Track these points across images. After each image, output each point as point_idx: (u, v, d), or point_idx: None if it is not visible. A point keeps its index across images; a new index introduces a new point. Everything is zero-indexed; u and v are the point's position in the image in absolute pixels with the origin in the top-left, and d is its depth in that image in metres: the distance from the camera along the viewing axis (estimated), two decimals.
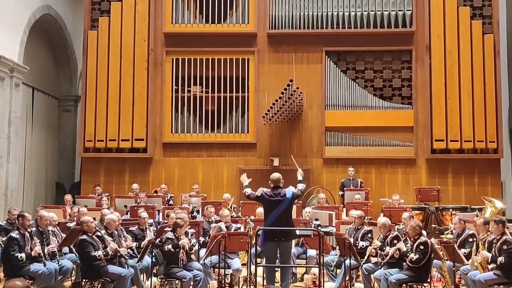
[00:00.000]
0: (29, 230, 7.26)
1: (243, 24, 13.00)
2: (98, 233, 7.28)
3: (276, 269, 7.63)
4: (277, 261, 7.33)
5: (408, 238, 7.46)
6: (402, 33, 12.78)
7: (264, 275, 7.44)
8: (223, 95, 13.01)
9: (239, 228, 8.63)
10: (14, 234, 7.08)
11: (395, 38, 12.80)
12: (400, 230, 8.21)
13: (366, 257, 7.73)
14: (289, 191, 7.26)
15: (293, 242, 8.75)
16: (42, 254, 7.17)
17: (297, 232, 7.55)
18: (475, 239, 7.66)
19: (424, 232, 7.80)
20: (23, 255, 6.98)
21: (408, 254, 7.13)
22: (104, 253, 7.04)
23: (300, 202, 10.48)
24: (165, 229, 7.90)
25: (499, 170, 12.58)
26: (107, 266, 7.06)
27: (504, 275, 6.83)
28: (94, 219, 7.68)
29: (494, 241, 7.09)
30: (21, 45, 12.59)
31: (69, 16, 14.98)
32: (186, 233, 7.80)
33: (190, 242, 7.70)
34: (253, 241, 7.42)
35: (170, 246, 7.32)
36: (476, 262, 7.06)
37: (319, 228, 8.47)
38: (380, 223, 7.84)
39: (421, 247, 7.08)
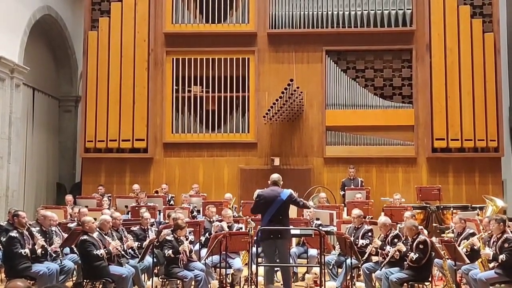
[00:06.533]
0: (28, 228, 7.27)
1: (243, 24, 13.01)
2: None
3: (276, 268, 7.64)
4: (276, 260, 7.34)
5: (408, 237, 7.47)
6: (402, 32, 12.78)
7: (264, 275, 7.46)
8: (224, 95, 13.01)
9: (241, 228, 8.63)
10: (13, 234, 7.10)
11: (395, 37, 12.80)
12: (402, 229, 8.21)
13: (366, 256, 7.74)
14: (286, 191, 7.31)
15: (294, 241, 8.79)
16: (46, 246, 7.20)
17: (297, 231, 7.56)
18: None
19: (425, 232, 7.80)
20: (27, 250, 7.01)
21: (408, 254, 7.13)
22: (106, 251, 7.05)
23: None
24: (163, 230, 7.88)
25: (500, 169, 12.57)
26: (109, 266, 7.07)
27: (505, 274, 6.85)
28: (95, 219, 7.67)
29: (494, 240, 7.10)
30: (21, 46, 12.59)
31: (69, 17, 14.98)
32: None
33: (187, 239, 7.70)
34: (254, 241, 7.43)
35: (170, 252, 7.33)
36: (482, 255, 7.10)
37: (320, 227, 8.47)
38: (380, 223, 7.84)
39: (421, 246, 7.08)
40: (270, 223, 7.11)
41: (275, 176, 7.49)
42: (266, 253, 7.28)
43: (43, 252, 7.18)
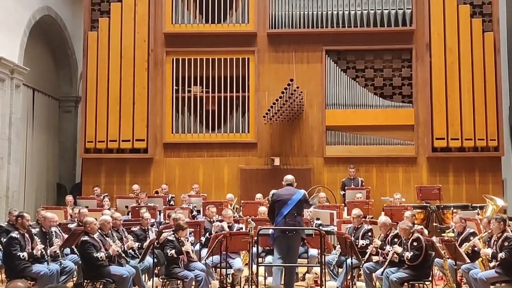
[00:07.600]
0: (29, 230, 7.27)
1: (243, 24, 13.01)
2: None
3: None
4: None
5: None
6: (402, 31, 12.78)
7: (267, 274, 7.45)
8: (224, 95, 13.01)
9: (241, 228, 8.62)
10: (14, 234, 7.09)
11: (395, 37, 12.80)
12: None
13: (367, 256, 7.74)
14: (301, 191, 7.43)
15: None
16: (44, 253, 7.19)
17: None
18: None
19: (426, 231, 7.79)
20: (25, 254, 7.00)
21: (403, 254, 7.15)
22: (106, 254, 7.05)
23: None
24: (164, 230, 7.88)
25: (500, 168, 12.58)
26: (109, 266, 7.07)
27: (505, 273, 6.85)
28: (95, 219, 7.67)
29: (495, 239, 7.10)
30: (21, 46, 12.59)
31: (69, 17, 14.98)
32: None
33: (188, 240, 7.71)
34: (255, 241, 7.43)
35: (173, 252, 7.33)
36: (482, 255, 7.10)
37: (321, 227, 8.47)
38: (380, 222, 7.85)
39: (414, 243, 7.13)
40: (285, 220, 7.21)
41: (289, 177, 7.65)
42: (278, 250, 7.31)
43: (42, 254, 7.17)
